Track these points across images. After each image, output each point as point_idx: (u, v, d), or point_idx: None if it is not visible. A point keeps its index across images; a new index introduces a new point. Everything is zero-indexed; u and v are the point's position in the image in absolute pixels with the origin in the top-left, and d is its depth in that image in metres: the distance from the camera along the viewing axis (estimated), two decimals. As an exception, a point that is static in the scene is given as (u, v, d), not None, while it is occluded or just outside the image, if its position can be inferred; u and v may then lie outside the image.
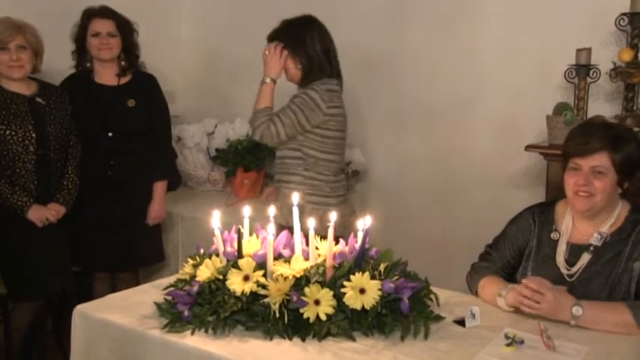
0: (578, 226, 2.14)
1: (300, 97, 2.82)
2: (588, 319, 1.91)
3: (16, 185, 2.90)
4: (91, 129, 3.15)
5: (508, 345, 1.78)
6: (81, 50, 3.21)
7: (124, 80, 3.25)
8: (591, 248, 2.08)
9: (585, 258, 2.08)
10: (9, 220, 2.92)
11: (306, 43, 2.87)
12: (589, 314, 1.91)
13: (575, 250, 2.11)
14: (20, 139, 2.89)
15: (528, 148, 3.12)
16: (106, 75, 3.23)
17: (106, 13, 3.17)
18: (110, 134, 3.17)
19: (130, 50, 3.25)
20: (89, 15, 3.17)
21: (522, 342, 1.80)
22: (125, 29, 3.21)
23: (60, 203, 3.02)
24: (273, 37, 2.93)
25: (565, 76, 3.16)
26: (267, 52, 2.88)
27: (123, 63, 3.23)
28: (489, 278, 2.19)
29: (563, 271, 2.10)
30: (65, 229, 3.06)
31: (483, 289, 2.17)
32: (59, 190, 3.03)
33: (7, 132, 2.87)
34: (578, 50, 3.09)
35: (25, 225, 2.92)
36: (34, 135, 2.92)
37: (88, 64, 3.22)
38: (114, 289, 3.05)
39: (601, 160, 2.03)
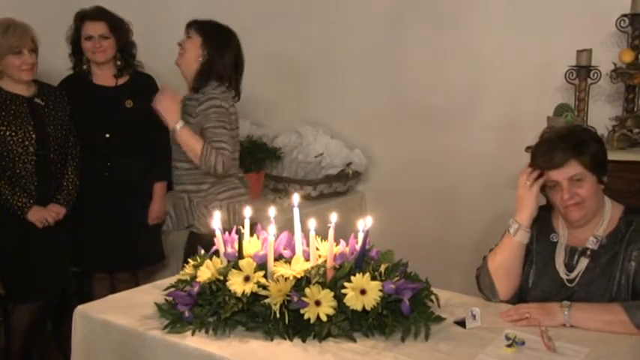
0: (574, 232, 2.14)
1: (212, 112, 2.77)
2: (578, 317, 1.92)
3: (16, 186, 2.90)
4: (89, 130, 3.15)
5: (509, 346, 1.78)
6: (77, 52, 3.20)
7: (122, 81, 3.24)
8: (588, 252, 2.08)
9: (583, 262, 2.08)
10: (8, 221, 2.92)
11: (222, 45, 2.88)
12: (577, 312, 1.92)
13: (573, 255, 2.11)
14: (20, 139, 2.89)
15: (529, 149, 3.11)
16: (104, 76, 3.22)
17: (97, 14, 3.14)
18: (107, 135, 3.16)
19: (125, 50, 3.23)
20: (81, 17, 3.15)
21: (523, 343, 1.80)
22: (119, 29, 3.18)
23: (60, 204, 3.02)
24: (191, 24, 2.92)
25: (565, 78, 3.16)
26: (160, 106, 2.81)
27: (119, 63, 3.22)
28: (494, 249, 2.20)
29: (563, 276, 2.10)
30: (65, 229, 3.06)
31: (495, 254, 2.17)
32: (59, 190, 3.03)
33: (7, 133, 2.87)
34: (579, 51, 3.09)
35: (25, 226, 2.92)
36: (34, 136, 2.92)
37: (85, 67, 3.21)
38: (113, 290, 3.05)
39: (573, 168, 2.04)
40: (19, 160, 2.90)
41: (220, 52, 2.87)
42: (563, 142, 2.07)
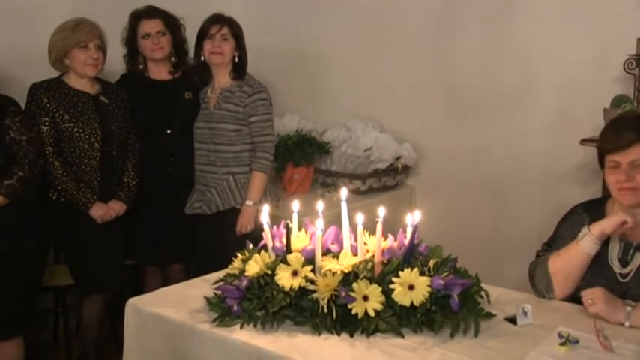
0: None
1: (260, 104, 3.12)
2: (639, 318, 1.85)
3: (80, 182, 2.96)
4: (152, 124, 3.20)
5: (562, 344, 1.74)
6: (133, 53, 3.27)
7: (177, 75, 3.31)
8: None
9: (639, 257, 2.02)
10: (69, 215, 2.97)
11: (244, 41, 3.22)
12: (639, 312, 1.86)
13: (628, 249, 2.05)
14: (87, 136, 2.96)
15: (584, 142, 3.04)
16: (160, 72, 3.29)
17: (152, 13, 3.22)
18: (169, 131, 3.21)
19: (179, 46, 3.30)
20: (136, 17, 3.23)
21: (577, 341, 1.75)
22: (173, 26, 3.26)
23: (121, 201, 3.07)
24: (227, 20, 3.17)
25: (624, 67, 3.05)
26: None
27: (173, 59, 3.30)
28: (558, 251, 2.12)
29: (616, 270, 2.04)
30: (122, 227, 3.11)
31: (558, 257, 2.09)
32: (120, 187, 3.09)
33: (75, 129, 2.94)
34: (639, 40, 2.98)
35: (85, 221, 2.97)
36: (99, 132, 2.99)
37: (141, 66, 3.27)
38: (164, 283, 3.09)
39: (638, 153, 1.97)
40: (85, 157, 2.97)
41: (245, 49, 3.21)
42: (635, 123, 2.00)
